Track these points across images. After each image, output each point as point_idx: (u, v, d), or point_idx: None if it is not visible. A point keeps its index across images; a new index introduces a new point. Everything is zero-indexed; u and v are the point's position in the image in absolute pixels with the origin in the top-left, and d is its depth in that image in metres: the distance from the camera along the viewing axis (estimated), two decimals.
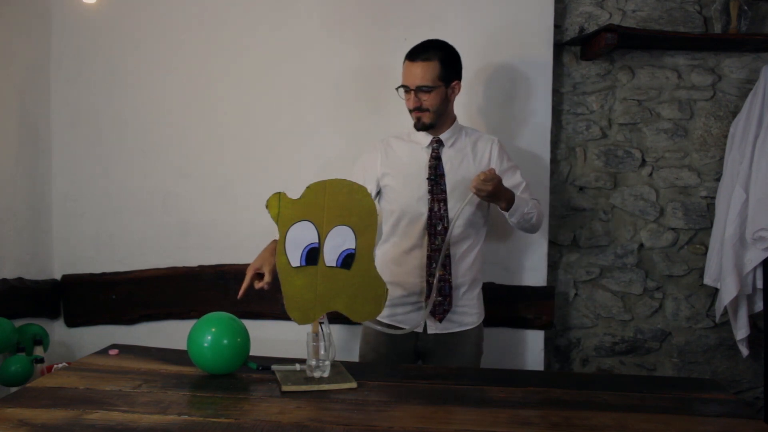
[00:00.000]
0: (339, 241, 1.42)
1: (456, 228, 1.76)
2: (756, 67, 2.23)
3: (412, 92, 1.74)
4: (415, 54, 1.74)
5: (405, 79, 1.75)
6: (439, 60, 1.73)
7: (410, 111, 1.77)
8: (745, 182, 2.09)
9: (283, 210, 1.39)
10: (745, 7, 2.12)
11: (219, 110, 2.24)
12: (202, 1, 2.22)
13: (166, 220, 2.27)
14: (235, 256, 2.25)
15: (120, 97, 2.25)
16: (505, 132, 2.18)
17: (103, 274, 2.28)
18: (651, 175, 2.33)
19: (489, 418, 1.27)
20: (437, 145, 1.80)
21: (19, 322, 2.03)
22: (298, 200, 1.40)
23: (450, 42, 2.14)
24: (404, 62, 1.77)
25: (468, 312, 1.84)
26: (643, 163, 2.32)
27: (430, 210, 1.77)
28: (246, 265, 2.24)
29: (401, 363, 1.80)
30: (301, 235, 1.40)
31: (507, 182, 1.78)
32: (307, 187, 1.41)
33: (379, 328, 1.68)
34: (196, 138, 2.25)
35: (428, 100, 1.73)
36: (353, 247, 1.43)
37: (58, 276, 2.29)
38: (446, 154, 1.80)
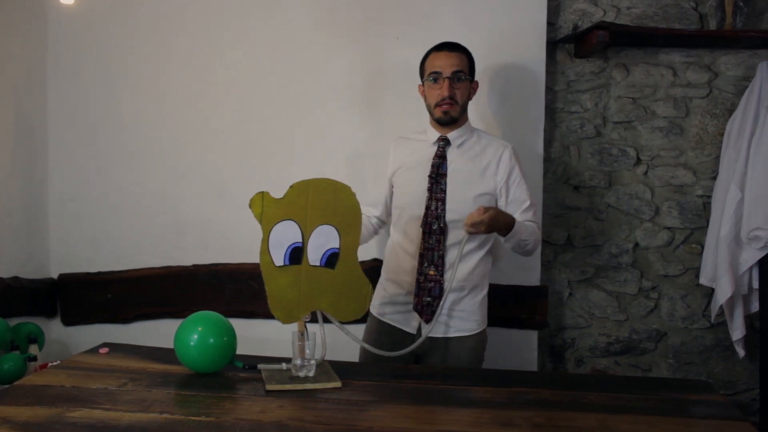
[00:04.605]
0: (322, 240, 1.42)
1: (454, 229, 1.73)
2: (752, 63, 2.21)
3: (447, 80, 1.72)
4: (448, 45, 1.77)
5: (438, 65, 1.74)
6: (467, 56, 1.79)
7: (435, 105, 1.74)
8: (740, 181, 2.07)
9: (267, 209, 1.40)
10: (741, 4, 2.10)
11: (214, 111, 2.25)
12: (198, 2, 2.23)
13: (161, 219, 2.28)
14: (229, 256, 2.27)
15: (116, 97, 2.26)
16: (499, 130, 2.17)
17: (99, 273, 2.30)
18: (646, 173, 2.31)
19: (471, 419, 1.27)
20: (444, 143, 1.77)
21: (14, 321, 2.06)
22: (281, 199, 1.41)
23: (442, 40, 2.15)
24: (430, 55, 1.78)
25: (467, 318, 1.78)
26: (638, 161, 2.30)
27: (427, 208, 1.74)
28: (241, 265, 2.27)
29: (400, 362, 1.75)
30: (285, 234, 1.40)
31: (511, 196, 1.76)
32: (291, 187, 1.41)
33: (373, 350, 1.57)
34: (192, 138, 2.26)
35: (460, 91, 1.74)
36: (337, 246, 1.43)
37: (55, 275, 2.31)
38: (452, 154, 1.77)
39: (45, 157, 2.28)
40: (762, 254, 2.05)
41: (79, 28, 2.25)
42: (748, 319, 2.19)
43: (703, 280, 2.21)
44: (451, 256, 1.73)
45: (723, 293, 2.08)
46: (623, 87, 2.28)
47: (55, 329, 2.31)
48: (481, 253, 1.78)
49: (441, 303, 1.68)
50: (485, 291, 1.83)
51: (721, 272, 2.09)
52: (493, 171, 1.76)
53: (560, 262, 2.34)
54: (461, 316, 1.77)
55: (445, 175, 1.75)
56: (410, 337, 1.77)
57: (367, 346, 1.57)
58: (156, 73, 2.25)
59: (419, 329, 1.77)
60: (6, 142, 2.12)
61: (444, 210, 1.73)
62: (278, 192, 1.42)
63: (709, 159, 2.29)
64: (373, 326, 1.85)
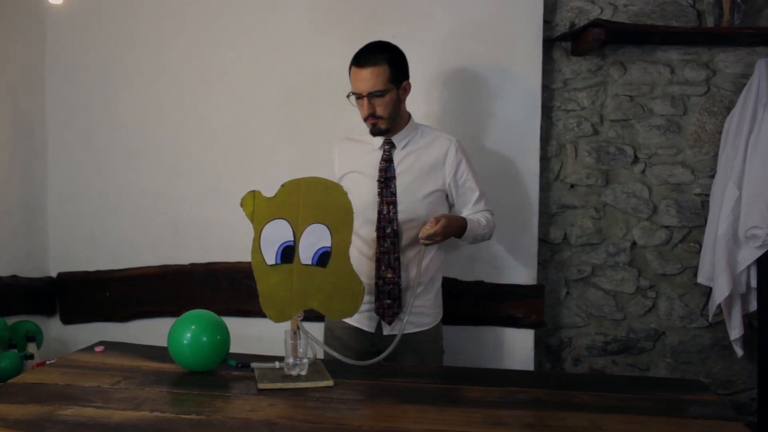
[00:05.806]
0: (314, 239, 1.42)
1: (408, 229, 1.74)
2: (750, 61, 2.19)
3: (365, 98, 1.69)
4: (363, 59, 1.69)
5: (355, 86, 1.71)
6: (387, 62, 1.69)
7: (365, 119, 1.74)
8: (738, 179, 2.05)
9: (258, 208, 1.40)
10: (739, 1, 2.08)
11: (212, 110, 2.25)
12: (196, 2, 2.23)
13: (160, 219, 2.29)
14: (226, 255, 2.27)
15: (114, 96, 2.27)
16: (494, 129, 2.17)
17: (98, 272, 2.31)
18: (643, 172, 2.30)
19: (462, 418, 1.27)
20: (389, 147, 1.77)
21: (12, 319, 2.07)
22: (272, 198, 1.41)
23: (438, 39, 2.15)
24: (351, 68, 1.71)
25: (424, 312, 1.80)
26: (636, 159, 2.29)
27: (379, 213, 1.75)
28: (237, 264, 2.28)
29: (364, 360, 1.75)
30: (276, 233, 1.41)
31: (461, 189, 1.78)
32: (282, 186, 1.42)
33: (339, 357, 1.53)
34: (190, 137, 2.27)
35: (381, 106, 1.70)
36: (329, 245, 1.43)
37: (54, 274, 2.32)
38: (398, 156, 1.77)
39: (44, 157, 2.29)
40: (759, 253, 2.03)
41: (78, 28, 2.26)
42: (747, 318, 2.17)
43: (701, 278, 2.20)
44: (407, 256, 1.76)
45: (721, 292, 2.07)
46: (620, 85, 2.27)
47: (54, 328, 2.33)
48: (434, 249, 1.80)
49: (408, 307, 1.69)
50: (439, 284, 1.86)
51: (718, 271, 2.07)
52: (440, 167, 1.77)
53: (557, 260, 2.33)
54: (418, 312, 1.79)
55: (393, 178, 1.76)
56: (368, 336, 1.80)
57: (344, 358, 1.53)
58: (155, 73, 2.26)
59: (377, 327, 1.79)
60: (5, 142, 2.13)
61: (396, 213, 1.75)
62: (270, 190, 1.43)
63: (707, 157, 2.27)
64: (332, 325, 1.86)
